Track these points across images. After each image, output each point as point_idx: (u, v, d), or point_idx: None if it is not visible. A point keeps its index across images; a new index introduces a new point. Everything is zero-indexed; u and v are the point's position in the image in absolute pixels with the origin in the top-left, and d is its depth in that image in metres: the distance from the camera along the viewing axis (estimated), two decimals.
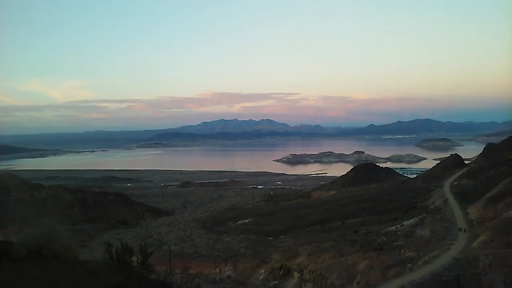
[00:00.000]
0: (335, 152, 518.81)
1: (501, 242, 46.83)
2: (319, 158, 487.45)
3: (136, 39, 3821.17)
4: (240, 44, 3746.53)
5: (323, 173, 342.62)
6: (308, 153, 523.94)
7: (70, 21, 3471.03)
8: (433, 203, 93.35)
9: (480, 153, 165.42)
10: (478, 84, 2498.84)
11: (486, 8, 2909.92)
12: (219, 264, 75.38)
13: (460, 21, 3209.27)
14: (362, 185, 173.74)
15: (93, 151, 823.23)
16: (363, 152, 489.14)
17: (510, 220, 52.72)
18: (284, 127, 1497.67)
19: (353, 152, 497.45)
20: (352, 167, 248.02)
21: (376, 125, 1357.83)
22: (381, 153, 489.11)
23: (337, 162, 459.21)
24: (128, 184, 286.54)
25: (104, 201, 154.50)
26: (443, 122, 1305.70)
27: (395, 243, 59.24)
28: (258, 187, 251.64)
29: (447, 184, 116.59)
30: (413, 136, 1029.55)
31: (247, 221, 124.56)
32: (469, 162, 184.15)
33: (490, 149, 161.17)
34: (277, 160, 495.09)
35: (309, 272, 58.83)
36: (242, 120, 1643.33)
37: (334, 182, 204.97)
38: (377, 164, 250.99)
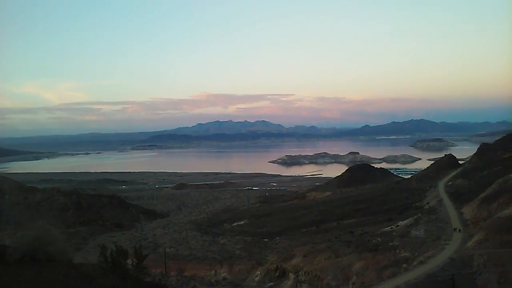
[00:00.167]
0: (330, 153, 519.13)
1: (495, 242, 47.04)
2: (314, 159, 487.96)
3: (130, 41, 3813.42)
4: (235, 45, 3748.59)
5: (318, 174, 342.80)
6: (303, 154, 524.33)
7: (64, 23, 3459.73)
8: (427, 203, 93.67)
9: (474, 153, 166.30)
10: (472, 85, 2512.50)
11: (480, 9, 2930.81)
12: (214, 266, 75.27)
13: (455, 22, 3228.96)
14: (357, 186, 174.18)
15: (87, 153, 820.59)
16: (358, 153, 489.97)
17: (504, 219, 52.97)
18: (279, 128, 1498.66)
19: (348, 153, 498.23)
20: (347, 168, 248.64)
21: (371, 125, 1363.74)
22: (376, 153, 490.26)
23: (332, 163, 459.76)
24: (123, 187, 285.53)
25: (98, 203, 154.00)
26: (438, 123, 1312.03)
27: (390, 244, 59.40)
28: (254, 188, 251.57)
29: (441, 184, 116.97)
30: (407, 136, 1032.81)
31: (242, 222, 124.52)
32: (463, 162, 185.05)
33: (484, 149, 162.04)
34: (272, 162, 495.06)
35: (304, 273, 58.86)
36: (237, 122, 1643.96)
37: (329, 183, 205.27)
38: (372, 164, 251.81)
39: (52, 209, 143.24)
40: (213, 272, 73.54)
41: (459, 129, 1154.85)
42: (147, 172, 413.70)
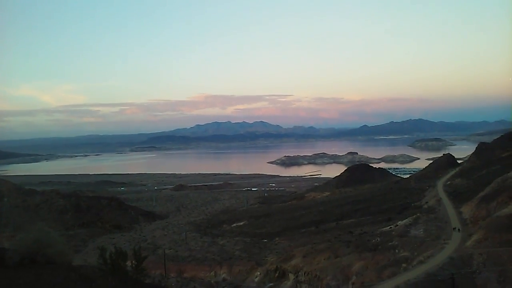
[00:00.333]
0: (328, 153, 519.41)
1: (494, 241, 47.07)
2: (313, 160, 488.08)
3: (128, 43, 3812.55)
4: (233, 46, 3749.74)
5: (317, 175, 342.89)
6: (301, 155, 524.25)
7: (63, 26, 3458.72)
8: (426, 202, 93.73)
9: (473, 153, 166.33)
10: (470, 84, 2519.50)
11: (478, 9, 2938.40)
12: (214, 267, 75.16)
13: (453, 22, 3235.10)
14: (356, 186, 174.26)
15: (86, 155, 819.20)
16: (357, 153, 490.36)
17: (503, 218, 53.02)
18: (277, 129, 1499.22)
19: (346, 153, 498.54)
20: (345, 168, 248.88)
21: (369, 125, 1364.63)
22: (375, 153, 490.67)
23: (331, 163, 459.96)
24: (122, 188, 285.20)
25: (97, 205, 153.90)
26: (436, 122, 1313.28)
27: (390, 243, 59.40)
28: (252, 189, 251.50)
29: (440, 184, 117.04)
30: (406, 136, 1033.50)
31: (241, 223, 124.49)
32: (462, 161, 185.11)
33: (482, 148, 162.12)
34: (271, 162, 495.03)
35: (304, 274, 58.81)
36: (236, 123, 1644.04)
37: (328, 183, 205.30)
38: (370, 164, 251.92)
39: (51, 211, 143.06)
40: (212, 273, 73.43)
41: (458, 128, 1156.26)
42: (146, 173, 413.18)
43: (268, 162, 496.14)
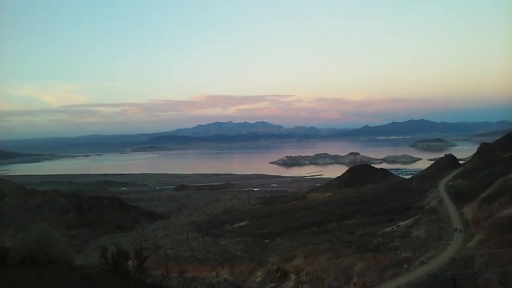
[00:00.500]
0: (330, 153, 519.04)
1: (496, 242, 47.00)
2: (314, 160, 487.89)
3: (130, 43, 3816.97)
4: (234, 47, 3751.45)
5: (319, 175, 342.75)
6: (303, 155, 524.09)
7: (64, 26, 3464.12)
8: (428, 203, 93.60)
9: (475, 153, 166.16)
10: (472, 85, 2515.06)
11: (480, 9, 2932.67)
12: (215, 267, 75.17)
13: (454, 22, 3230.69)
14: (357, 187, 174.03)
15: (87, 155, 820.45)
16: (358, 154, 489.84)
17: (505, 219, 52.91)
18: (279, 129, 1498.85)
19: (348, 153, 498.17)
20: (347, 168, 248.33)
21: (371, 126, 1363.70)
22: (376, 154, 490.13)
23: (332, 163, 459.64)
24: (123, 188, 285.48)
25: (99, 205, 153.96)
26: (437, 123, 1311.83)
27: (391, 244, 59.33)
28: (254, 189, 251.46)
29: (442, 184, 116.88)
30: (407, 137, 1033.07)
31: (243, 224, 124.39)
32: (463, 162, 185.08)
33: (484, 149, 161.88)
34: (273, 163, 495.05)
35: (306, 274, 58.78)
36: (237, 123, 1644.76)
37: (329, 183, 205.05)
38: (372, 165, 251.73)
39: (52, 211, 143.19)
40: (214, 273, 73.45)
41: (459, 129, 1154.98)
42: (147, 173, 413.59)
43: (269, 163, 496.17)
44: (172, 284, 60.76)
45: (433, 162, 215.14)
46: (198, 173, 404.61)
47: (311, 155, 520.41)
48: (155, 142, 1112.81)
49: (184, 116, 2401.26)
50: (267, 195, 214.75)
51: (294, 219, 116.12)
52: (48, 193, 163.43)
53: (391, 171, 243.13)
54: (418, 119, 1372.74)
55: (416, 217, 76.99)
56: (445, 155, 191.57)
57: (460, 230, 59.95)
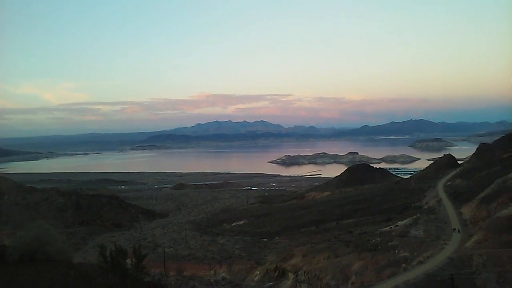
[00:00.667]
0: (329, 153, 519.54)
1: (494, 242, 47.06)
2: (313, 159, 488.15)
3: (130, 42, 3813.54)
4: (234, 46, 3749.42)
5: (318, 174, 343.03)
6: (302, 154, 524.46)
7: (63, 24, 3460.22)
8: (427, 203, 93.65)
9: (473, 153, 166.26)
10: (471, 85, 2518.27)
11: (480, 9, 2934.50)
12: (214, 266, 75.16)
13: (454, 22, 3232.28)
14: (356, 186, 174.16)
15: (86, 153, 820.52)
16: (357, 153, 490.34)
17: (503, 219, 52.98)
18: (278, 128, 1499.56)
19: (347, 153, 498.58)
20: (346, 168, 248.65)
21: (370, 126, 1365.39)
22: (375, 154, 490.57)
23: (331, 163, 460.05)
24: (122, 187, 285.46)
25: (98, 203, 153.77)
26: (437, 123, 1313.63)
27: (390, 244, 59.36)
28: (253, 188, 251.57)
29: (440, 184, 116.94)
30: (406, 136, 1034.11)
31: (241, 222, 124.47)
32: (462, 162, 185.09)
33: (483, 149, 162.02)
34: (272, 162, 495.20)
35: (304, 273, 58.81)
36: (236, 122, 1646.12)
37: (328, 183, 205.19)
38: (371, 165, 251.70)
39: (51, 209, 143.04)
40: (212, 272, 73.44)
41: (458, 129, 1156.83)
42: (146, 172, 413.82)
43: (268, 162, 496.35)
44: (170, 283, 60.76)
45: (432, 162, 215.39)
46: (197, 171, 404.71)
47: (310, 154, 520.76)
48: (154, 140, 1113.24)
49: (184, 115, 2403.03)
50: (265, 194, 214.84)
51: (293, 218, 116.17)
52: (47, 191, 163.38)
53: (390, 170, 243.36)
54: (417, 119, 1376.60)
55: (414, 216, 77.03)
56: (444, 155, 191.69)
57: (458, 230, 60.02)
